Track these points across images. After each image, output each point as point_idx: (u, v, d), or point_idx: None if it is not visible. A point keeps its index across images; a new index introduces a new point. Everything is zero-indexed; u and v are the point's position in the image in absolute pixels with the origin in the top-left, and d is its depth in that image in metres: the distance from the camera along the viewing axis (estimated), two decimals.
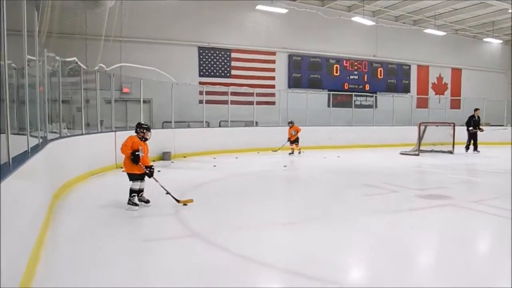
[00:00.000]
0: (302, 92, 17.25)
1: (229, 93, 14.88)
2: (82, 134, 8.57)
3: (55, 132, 7.49)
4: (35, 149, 4.71)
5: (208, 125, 14.53)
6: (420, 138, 14.17)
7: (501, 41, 23.26)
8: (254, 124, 15.44)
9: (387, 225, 5.12)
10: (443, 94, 22.40)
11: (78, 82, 8.94)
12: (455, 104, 21.77)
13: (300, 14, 17.66)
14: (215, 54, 16.66)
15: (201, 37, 16.28)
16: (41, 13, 7.81)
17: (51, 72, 7.58)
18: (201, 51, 16.45)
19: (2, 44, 2.97)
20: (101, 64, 10.33)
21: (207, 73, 16.56)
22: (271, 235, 4.62)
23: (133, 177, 5.61)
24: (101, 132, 9.67)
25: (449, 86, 22.78)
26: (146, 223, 5.23)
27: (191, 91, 14.98)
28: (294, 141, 13.45)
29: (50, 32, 9.97)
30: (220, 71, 16.77)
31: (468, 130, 14.84)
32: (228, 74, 16.88)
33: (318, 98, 17.71)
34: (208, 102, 14.34)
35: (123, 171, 8.62)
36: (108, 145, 9.37)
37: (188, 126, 14.46)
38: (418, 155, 13.67)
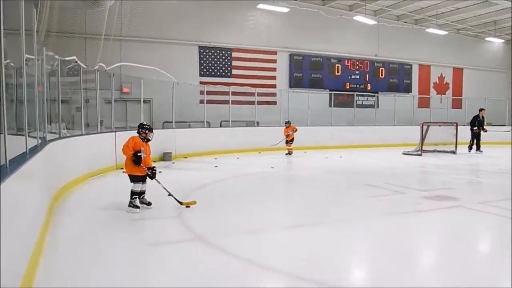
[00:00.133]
0: (303, 92, 17.12)
1: (230, 93, 14.75)
2: (81, 135, 8.43)
3: (54, 133, 7.36)
4: (34, 150, 4.59)
5: (209, 125, 14.39)
6: (422, 138, 14.06)
7: (503, 41, 23.16)
8: (255, 124, 15.31)
9: (394, 227, 5.00)
10: (444, 93, 22.29)
11: (78, 82, 8.81)
12: (457, 104, 21.67)
13: (302, 13, 17.53)
14: (215, 54, 16.52)
15: (201, 36, 16.15)
16: (40, 12, 7.69)
17: (50, 71, 7.45)
18: (201, 50, 16.32)
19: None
20: (101, 64, 10.19)
21: (207, 72, 16.42)
22: (275, 238, 4.50)
23: (134, 178, 5.48)
24: (101, 132, 9.53)
25: (450, 85, 22.67)
26: (147, 226, 5.10)
27: (191, 91, 14.84)
28: (290, 140, 13.28)
29: (49, 31, 9.84)
30: (221, 71, 16.64)
31: (472, 129, 14.73)
32: (229, 74, 16.74)
33: (320, 98, 17.59)
34: (208, 102, 14.22)
35: (123, 172, 8.57)
36: (108, 146, 9.26)
37: (189, 126, 14.33)
38: (421, 155, 13.56)
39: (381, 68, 20.02)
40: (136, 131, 5.64)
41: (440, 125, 14.77)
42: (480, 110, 14.98)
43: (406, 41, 20.44)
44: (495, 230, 5.01)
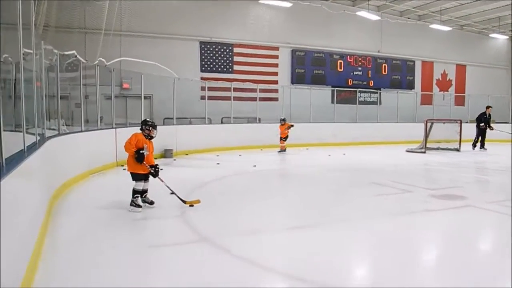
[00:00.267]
0: (305, 88, 16.92)
1: (232, 89, 14.56)
2: (81, 131, 8.25)
3: (53, 129, 7.18)
4: (32, 147, 4.42)
5: (210, 122, 14.22)
6: (426, 136, 13.90)
7: (507, 37, 22.93)
8: (257, 121, 15.14)
9: (403, 227, 4.85)
10: (447, 90, 22.10)
11: (77, 77, 8.64)
12: (460, 101, 21.51)
13: (304, 8, 17.31)
14: (217, 49, 16.30)
15: (202, 31, 15.91)
16: (38, 5, 7.50)
17: (48, 66, 7.26)
18: (202, 46, 16.09)
19: None
20: (101, 58, 9.99)
21: (208, 68, 16.21)
22: (279, 239, 4.35)
23: (136, 177, 5.31)
24: (101, 129, 9.35)
25: (453, 82, 22.47)
26: (150, 226, 4.93)
27: (192, 87, 14.62)
28: (284, 138, 13.04)
29: (47, 25, 9.65)
30: (222, 67, 16.42)
31: (478, 126, 14.57)
32: (230, 70, 16.52)
33: (322, 94, 17.37)
34: (210, 98, 14.03)
35: (124, 169, 8.41)
36: (108, 142, 9.10)
37: (190, 123, 14.14)
38: (424, 152, 13.41)
39: (383, 65, 19.81)
40: (139, 127, 5.46)
41: (444, 122, 14.61)
42: (487, 107, 14.81)
43: (409, 37, 20.21)
44: (507, 230, 4.84)
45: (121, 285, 3.15)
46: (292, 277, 3.35)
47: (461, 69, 22.67)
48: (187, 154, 12.14)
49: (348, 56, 18.91)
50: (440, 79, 22.05)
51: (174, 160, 11.05)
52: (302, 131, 15.21)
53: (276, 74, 17.42)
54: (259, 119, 15.18)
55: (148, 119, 5.52)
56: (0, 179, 2.45)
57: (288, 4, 16.36)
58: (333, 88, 17.77)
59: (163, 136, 10.75)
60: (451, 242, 4.37)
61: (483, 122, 14.50)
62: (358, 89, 18.13)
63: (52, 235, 4.35)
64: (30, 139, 4.60)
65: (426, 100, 20.47)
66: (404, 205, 5.94)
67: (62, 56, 7.66)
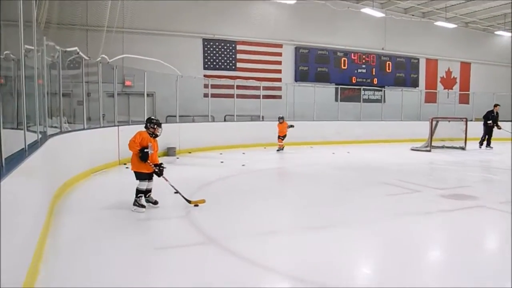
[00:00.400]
0: (309, 85, 16.76)
1: (235, 86, 14.42)
2: (83, 129, 8.13)
3: (55, 127, 7.07)
4: (34, 145, 4.31)
5: (213, 120, 14.09)
6: (431, 134, 13.74)
7: None
8: (260, 119, 15.00)
9: (416, 230, 4.69)
10: (451, 88, 21.92)
11: (79, 75, 8.53)
12: (464, 99, 21.35)
13: (308, 5, 17.15)
14: (220, 46, 16.15)
15: (205, 28, 15.77)
16: (39, 2, 7.38)
17: (50, 63, 7.14)
18: (205, 43, 15.95)
19: None
20: (103, 55, 9.86)
21: (211, 65, 16.07)
22: (287, 241, 4.21)
23: (140, 176, 5.18)
24: (103, 126, 9.22)
25: (458, 80, 22.28)
26: (154, 227, 4.81)
27: (195, 84, 14.51)
28: (282, 136, 12.76)
29: (49, 22, 9.54)
30: (225, 64, 16.28)
31: (486, 124, 14.42)
32: (233, 67, 16.38)
33: (325, 92, 17.24)
34: (213, 95, 13.90)
35: (126, 167, 8.30)
36: (111, 140, 8.99)
37: (193, 121, 14.03)
38: (430, 151, 13.27)
39: (388, 62, 19.64)
40: (144, 125, 5.33)
41: (449, 121, 14.45)
42: (495, 105, 14.66)
43: (413, 35, 20.03)
44: None
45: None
46: (302, 280, 3.23)
47: (465, 67, 22.48)
48: (190, 152, 12.02)
49: (352, 54, 18.74)
50: (445, 77, 21.86)
51: (177, 158, 10.93)
52: (305, 129, 15.12)
53: (279, 71, 17.28)
54: (263, 117, 15.02)
55: (153, 117, 5.38)
56: (1, 179, 2.35)
57: (292, 1, 16.22)
58: (337, 86, 17.62)
59: (166, 134, 10.55)
60: (467, 244, 4.22)
61: (491, 120, 14.34)
62: (362, 87, 17.97)
63: (54, 235, 4.24)
64: (32, 137, 4.49)
65: (430, 98, 20.29)
66: (414, 206, 5.79)
67: (64, 52, 7.53)
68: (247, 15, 16.56)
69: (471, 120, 15.01)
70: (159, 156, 5.59)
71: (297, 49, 17.57)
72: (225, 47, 16.24)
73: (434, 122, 13.90)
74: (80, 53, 8.27)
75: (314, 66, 17.89)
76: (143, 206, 5.16)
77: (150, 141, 5.16)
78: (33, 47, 4.92)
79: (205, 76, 15.38)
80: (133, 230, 4.60)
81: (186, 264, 3.56)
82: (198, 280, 3.23)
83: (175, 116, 12.39)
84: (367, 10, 17.32)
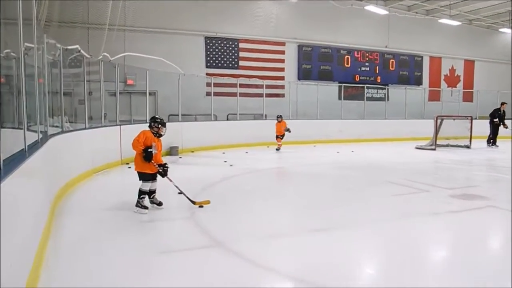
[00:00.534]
0: (312, 84, 16.61)
1: (238, 85, 14.28)
2: (85, 128, 8.01)
3: (56, 126, 6.95)
4: (35, 145, 4.19)
5: (216, 118, 13.96)
6: (436, 132, 13.60)
7: None
8: (263, 117, 14.85)
9: (427, 231, 4.57)
10: (455, 86, 21.74)
11: (80, 74, 8.41)
12: (468, 97, 21.18)
13: (311, 2, 16.98)
14: (222, 45, 16.01)
15: (208, 26, 15.63)
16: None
17: (51, 61, 7.02)
18: (208, 41, 15.81)
19: None
20: (105, 53, 9.74)
21: (214, 64, 15.93)
22: (300, 243, 4.07)
23: (144, 177, 5.05)
24: (105, 126, 9.10)
25: (461, 78, 22.10)
26: (158, 229, 4.68)
27: (198, 83, 14.37)
28: (281, 136, 12.44)
29: (50, 20, 9.41)
30: (228, 62, 16.14)
31: (492, 122, 14.28)
32: (236, 65, 16.24)
33: (329, 90, 17.08)
34: (215, 94, 13.76)
35: (129, 167, 8.19)
36: (113, 140, 8.89)
37: (195, 120, 13.91)
38: (434, 149, 13.13)
39: (391, 60, 19.47)
40: (148, 125, 5.21)
41: (454, 119, 14.30)
42: (502, 104, 14.53)
43: (417, 32, 19.84)
44: None
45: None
46: (314, 283, 3.10)
47: (469, 65, 22.29)
48: (192, 152, 11.90)
49: (355, 52, 18.58)
50: (448, 74, 21.68)
51: (180, 158, 10.80)
52: (309, 128, 15.00)
53: (282, 70, 17.13)
54: (265, 115, 14.88)
55: (157, 116, 5.24)
56: (4, 179, 2.28)
57: None
58: (340, 84, 17.44)
59: (168, 133, 10.27)
60: (482, 246, 4.10)
61: (497, 118, 14.20)
62: (365, 85, 17.80)
63: (55, 237, 4.13)
64: (33, 137, 4.38)
65: (434, 96, 20.12)
66: (424, 206, 5.65)
67: (65, 51, 7.40)
68: (250, 13, 16.40)
69: (475, 118, 14.86)
70: (161, 156, 5.46)
71: (300, 47, 17.41)
72: (228, 45, 16.09)
73: (439, 121, 13.75)
74: (82, 51, 8.15)
75: (317, 64, 17.73)
76: (145, 208, 5.03)
77: (154, 140, 5.03)
78: (33, 45, 4.80)
79: (207, 74, 15.25)
80: (136, 232, 4.47)
81: (191, 268, 3.43)
82: (202, 284, 3.12)
83: (178, 115, 12.26)
84: (370, 8, 17.14)
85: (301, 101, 15.85)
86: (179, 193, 5.36)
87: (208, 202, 5.25)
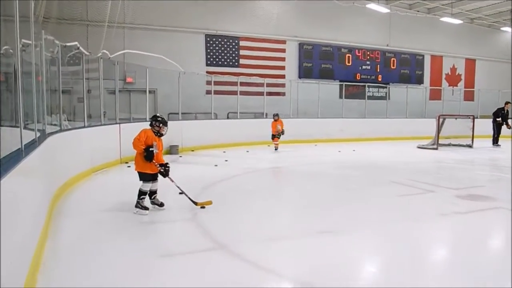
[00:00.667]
0: (313, 82, 16.48)
1: (239, 83, 14.14)
2: (84, 127, 7.88)
3: (55, 125, 6.82)
4: (32, 144, 4.06)
5: (216, 117, 13.83)
6: (438, 131, 13.49)
7: None
8: (264, 116, 14.73)
9: (437, 234, 4.45)
10: (456, 85, 21.63)
11: (79, 71, 8.26)
12: (469, 96, 21.08)
13: (312, 0, 16.83)
14: (223, 42, 15.86)
15: (208, 24, 15.48)
16: None
17: (50, 59, 6.88)
18: (208, 39, 15.66)
19: None
20: (104, 51, 9.60)
21: (214, 62, 15.78)
22: (304, 246, 3.94)
23: (145, 177, 4.91)
24: (104, 124, 8.96)
25: (462, 77, 21.99)
26: (159, 231, 4.55)
27: (198, 81, 14.23)
28: (278, 135, 12.04)
29: (48, 17, 9.27)
30: (228, 60, 15.99)
31: (495, 121, 14.18)
32: (236, 64, 16.09)
33: (330, 89, 16.93)
34: (215, 92, 13.62)
35: (128, 166, 8.06)
36: (112, 138, 8.76)
37: (195, 118, 13.77)
38: (436, 149, 13.02)
39: (392, 59, 19.35)
40: (149, 123, 5.07)
41: (456, 118, 14.20)
42: (506, 103, 14.43)
43: (418, 31, 19.72)
44: None
45: None
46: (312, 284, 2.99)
47: (470, 64, 22.19)
48: (193, 151, 11.78)
49: (357, 50, 18.45)
50: (449, 73, 21.57)
51: (180, 156, 10.68)
52: (310, 127, 14.89)
53: (283, 68, 16.99)
54: (266, 114, 14.76)
55: (158, 115, 5.11)
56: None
57: None
58: (341, 83, 17.31)
59: (168, 132, 10.30)
60: (494, 249, 3.99)
61: (500, 117, 14.10)
62: (366, 84, 17.67)
63: (53, 239, 4.01)
64: (30, 136, 4.25)
65: (435, 95, 20.00)
66: (430, 208, 5.52)
67: (64, 47, 7.26)
68: (250, 11, 16.24)
69: (477, 118, 14.77)
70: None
71: (301, 45, 17.27)
72: (228, 43, 15.95)
73: (441, 120, 13.64)
74: (81, 48, 8.00)
75: (318, 62, 17.60)
76: (146, 208, 4.91)
77: (155, 139, 4.90)
78: (30, 42, 4.67)
79: (207, 72, 15.11)
80: (136, 234, 4.33)
81: (193, 271, 3.30)
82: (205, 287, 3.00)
83: (178, 114, 12.13)
84: (372, 6, 17.00)
85: (302, 99, 15.73)
86: (180, 193, 5.23)
87: (210, 202, 5.13)
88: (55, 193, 5.42)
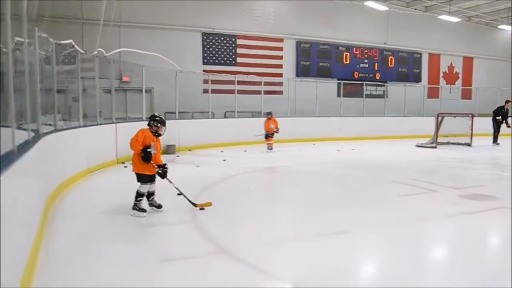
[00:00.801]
0: (311, 81, 16.36)
1: (236, 82, 14.00)
2: (79, 127, 7.72)
3: (49, 125, 6.65)
4: (25, 145, 3.91)
5: (213, 116, 13.69)
6: (437, 130, 13.42)
7: None
8: (262, 115, 14.59)
9: (445, 235, 4.36)
10: (454, 83, 21.60)
11: (74, 70, 8.09)
12: (466, 94, 21.06)
13: None
14: (219, 41, 15.70)
15: (205, 22, 15.31)
16: None
17: (44, 57, 6.71)
18: (205, 37, 15.50)
19: None
20: (100, 49, 9.44)
21: (211, 60, 15.63)
22: (307, 249, 3.83)
23: (142, 178, 4.77)
24: (100, 124, 8.80)
25: (460, 75, 21.95)
26: (158, 234, 4.42)
27: (194, 80, 14.08)
28: (271, 134, 11.85)
29: (42, 16, 9.09)
30: (225, 59, 15.84)
31: (495, 119, 14.15)
32: (233, 62, 15.95)
33: (328, 87, 16.82)
34: (213, 91, 13.48)
35: (125, 166, 7.92)
36: (108, 138, 8.61)
37: (192, 117, 13.62)
38: (435, 147, 12.96)
39: (390, 57, 19.25)
40: (147, 123, 4.94)
41: (455, 116, 14.14)
42: (506, 102, 14.41)
43: (416, 29, 19.63)
44: None
45: None
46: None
47: (468, 62, 22.15)
48: (190, 150, 11.64)
49: (354, 48, 18.34)
50: (447, 71, 21.52)
51: (177, 156, 10.53)
52: (308, 126, 14.78)
53: (280, 66, 16.86)
54: (264, 113, 14.62)
55: (156, 114, 4.97)
56: None
57: None
58: (339, 81, 17.21)
59: (165, 132, 10.26)
60: (497, 249, 3.89)
61: (500, 116, 14.07)
62: (364, 82, 17.58)
63: (48, 243, 3.88)
64: (24, 136, 4.10)
65: (433, 93, 19.96)
66: (435, 208, 5.42)
67: (59, 45, 7.09)
68: (247, 9, 16.07)
69: (475, 116, 14.74)
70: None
71: (298, 43, 17.15)
72: (225, 42, 15.79)
73: (439, 118, 13.58)
74: (76, 46, 7.84)
75: (315, 61, 17.48)
76: (143, 210, 4.77)
77: (152, 140, 4.77)
78: (23, 39, 4.52)
79: (204, 71, 14.96)
80: (134, 238, 4.20)
81: (193, 277, 3.17)
82: None
83: (174, 113, 11.98)
84: (369, 4, 16.92)
85: (300, 98, 15.62)
86: (178, 194, 5.11)
87: (209, 204, 5.01)
88: (50, 194, 5.28)
